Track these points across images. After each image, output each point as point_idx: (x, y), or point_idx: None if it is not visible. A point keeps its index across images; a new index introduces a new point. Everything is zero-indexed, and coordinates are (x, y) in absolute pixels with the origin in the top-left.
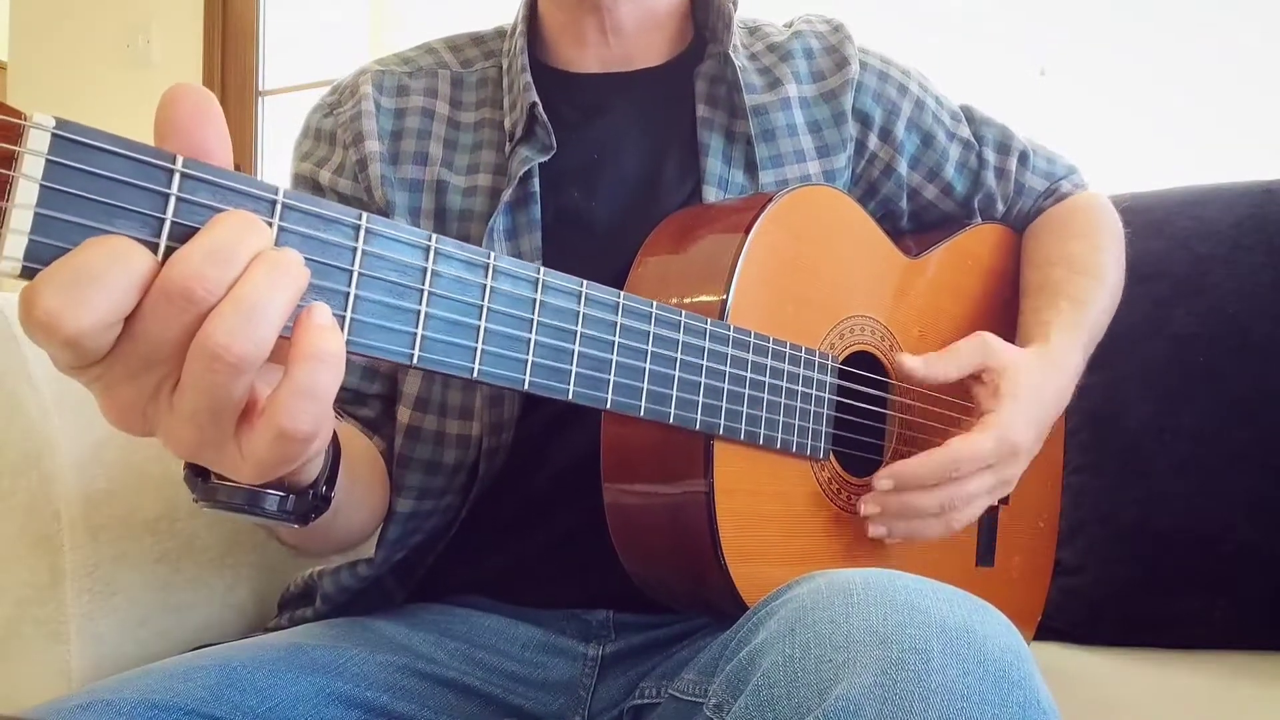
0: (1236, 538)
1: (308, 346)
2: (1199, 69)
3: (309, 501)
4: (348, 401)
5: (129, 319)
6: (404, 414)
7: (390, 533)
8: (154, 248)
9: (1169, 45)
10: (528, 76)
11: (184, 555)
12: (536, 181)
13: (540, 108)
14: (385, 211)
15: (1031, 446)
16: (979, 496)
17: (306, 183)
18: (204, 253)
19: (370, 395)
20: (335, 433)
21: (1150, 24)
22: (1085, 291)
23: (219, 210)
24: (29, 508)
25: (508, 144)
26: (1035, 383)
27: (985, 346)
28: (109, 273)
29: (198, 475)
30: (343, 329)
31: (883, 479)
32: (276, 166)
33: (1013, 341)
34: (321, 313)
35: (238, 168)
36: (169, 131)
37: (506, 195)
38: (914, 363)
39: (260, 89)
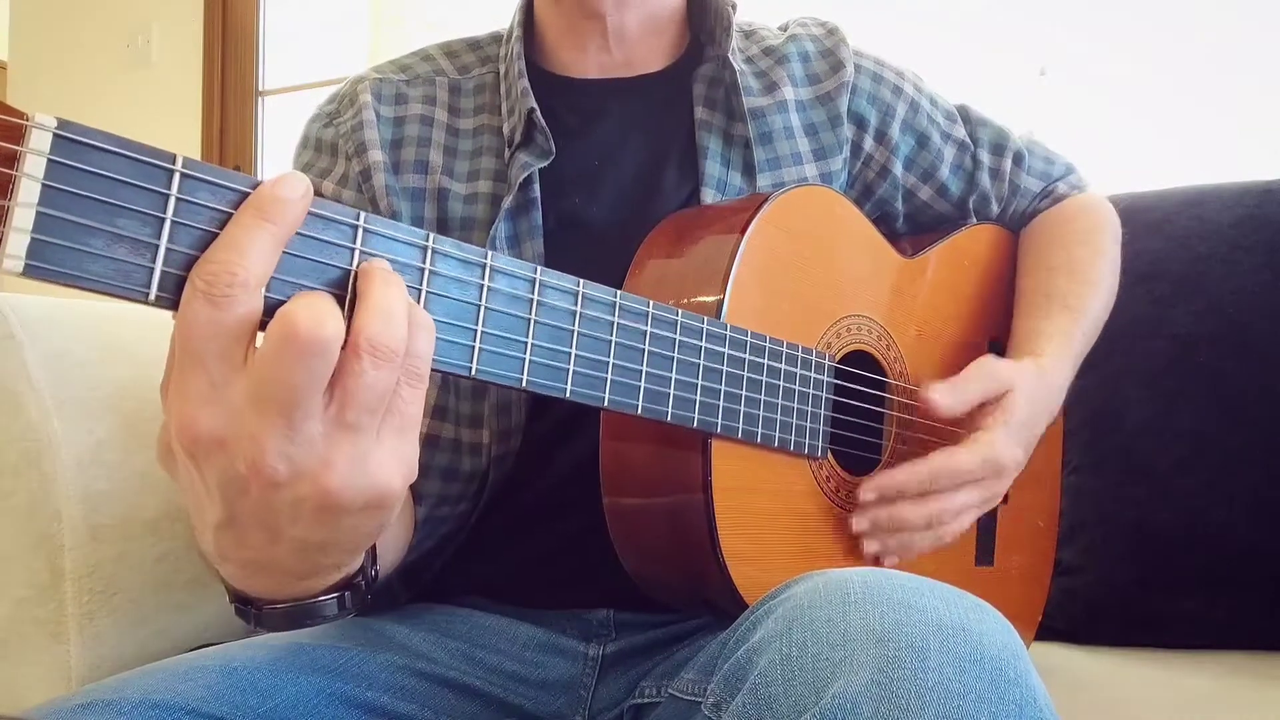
0: (1236, 538)
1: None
2: (1199, 69)
3: (363, 591)
4: None
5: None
6: (422, 424)
7: None
8: (153, 248)
9: (1169, 45)
10: (525, 82)
11: (184, 555)
12: (537, 187)
13: (538, 113)
14: None
15: (1019, 463)
16: (967, 510)
17: None
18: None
19: None
20: None
21: (1150, 24)
22: (1081, 299)
23: (219, 211)
24: (29, 508)
25: (507, 150)
26: (1031, 408)
27: (994, 375)
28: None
29: (246, 605)
30: None
31: (867, 491)
32: (276, 166)
33: (1006, 340)
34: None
35: (238, 168)
36: None
37: (507, 202)
38: (939, 396)
39: (260, 89)
